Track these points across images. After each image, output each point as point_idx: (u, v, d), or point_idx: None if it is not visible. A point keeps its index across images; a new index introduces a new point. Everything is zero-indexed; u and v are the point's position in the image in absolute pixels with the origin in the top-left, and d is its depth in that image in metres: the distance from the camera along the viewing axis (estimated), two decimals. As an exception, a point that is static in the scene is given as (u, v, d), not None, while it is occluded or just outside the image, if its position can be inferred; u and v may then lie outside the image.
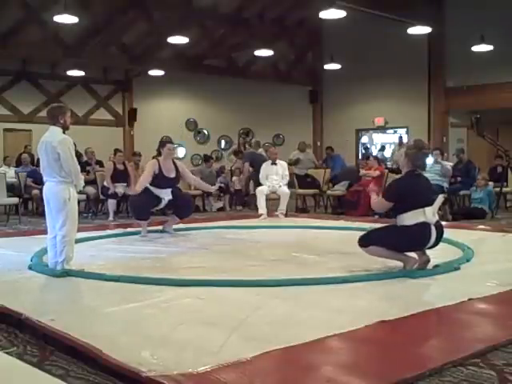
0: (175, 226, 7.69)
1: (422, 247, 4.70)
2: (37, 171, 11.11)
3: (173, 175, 7.32)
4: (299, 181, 12.09)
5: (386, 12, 12.50)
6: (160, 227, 7.69)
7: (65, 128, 4.93)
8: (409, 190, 4.65)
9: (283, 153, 12.54)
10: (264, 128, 17.27)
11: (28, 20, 12.63)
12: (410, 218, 4.58)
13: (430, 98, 15.20)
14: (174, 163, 7.43)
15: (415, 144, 4.88)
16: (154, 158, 7.70)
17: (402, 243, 4.64)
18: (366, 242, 4.76)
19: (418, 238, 4.64)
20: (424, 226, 4.58)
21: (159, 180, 7.21)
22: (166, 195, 7.29)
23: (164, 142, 7.48)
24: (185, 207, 7.58)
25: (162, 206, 7.40)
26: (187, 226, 7.96)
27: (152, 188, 7.21)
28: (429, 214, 4.58)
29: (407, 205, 4.58)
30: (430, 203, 4.64)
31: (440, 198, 4.78)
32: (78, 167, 4.97)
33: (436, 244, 4.74)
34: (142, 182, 7.23)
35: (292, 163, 12.65)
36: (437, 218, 4.70)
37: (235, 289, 4.21)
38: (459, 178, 10.36)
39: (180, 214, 7.61)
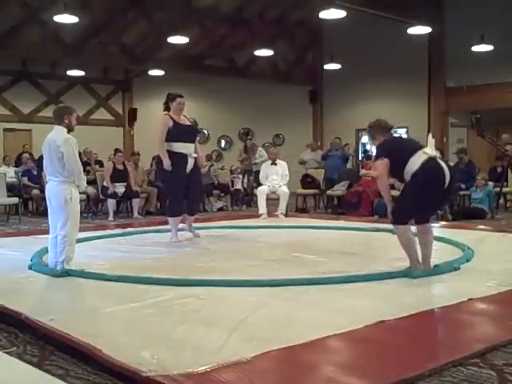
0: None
1: (441, 182, 4.47)
2: (30, 170, 11.16)
3: (189, 123, 6.87)
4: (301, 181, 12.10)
5: (386, 12, 12.52)
6: (159, 227, 7.69)
7: (69, 128, 4.94)
8: (396, 144, 4.79)
9: (283, 153, 12.55)
10: (264, 128, 17.28)
11: (28, 20, 12.65)
12: (414, 164, 4.48)
13: (429, 98, 15.20)
14: (186, 117, 6.87)
15: (368, 127, 4.94)
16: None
17: (420, 191, 4.47)
18: (395, 217, 4.64)
19: (432, 173, 4.47)
20: (430, 161, 4.48)
21: (177, 131, 6.59)
22: (190, 152, 6.68)
23: (173, 95, 6.73)
24: (194, 198, 7.05)
25: (189, 167, 6.66)
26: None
27: (174, 145, 6.58)
28: (428, 151, 4.55)
29: (404, 155, 4.54)
30: (423, 146, 4.64)
31: (430, 137, 4.75)
32: (81, 167, 4.99)
33: (451, 181, 4.53)
34: (161, 141, 6.57)
35: (300, 163, 12.89)
36: (438, 154, 4.65)
37: (235, 289, 4.21)
38: (463, 186, 10.29)
39: (189, 209, 7.02)
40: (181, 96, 6.71)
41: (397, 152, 4.63)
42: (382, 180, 4.69)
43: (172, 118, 6.63)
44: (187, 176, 6.67)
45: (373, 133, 4.89)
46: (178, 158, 6.59)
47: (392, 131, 4.91)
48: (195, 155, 6.76)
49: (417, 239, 4.73)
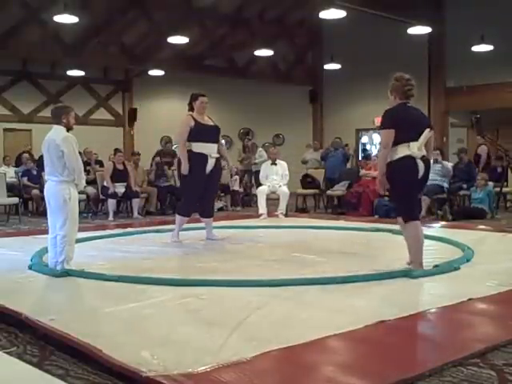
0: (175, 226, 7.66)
1: (413, 179, 4.61)
2: (30, 170, 11.17)
3: (212, 123, 6.71)
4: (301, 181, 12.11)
5: (386, 12, 12.53)
6: (159, 227, 7.68)
7: (68, 128, 4.94)
8: (400, 118, 4.61)
9: (283, 153, 12.55)
10: (264, 128, 17.28)
11: (28, 20, 12.65)
12: (395, 153, 4.57)
13: (430, 98, 15.19)
14: (209, 118, 6.75)
15: (394, 77, 4.83)
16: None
17: (397, 183, 4.61)
18: (403, 217, 4.70)
19: (406, 170, 4.58)
20: (408, 159, 4.56)
21: (199, 131, 6.48)
22: (211, 152, 6.55)
23: (196, 94, 6.64)
24: (210, 199, 6.93)
25: (208, 168, 6.54)
26: (187, 226, 7.94)
27: (195, 145, 6.47)
28: (413, 148, 4.56)
29: (400, 137, 4.55)
30: (416, 138, 4.60)
31: (426, 132, 4.68)
32: (82, 165, 4.98)
33: (426, 178, 4.72)
34: (182, 142, 6.48)
35: (302, 162, 12.99)
36: (423, 152, 4.65)
37: (235, 289, 4.20)
38: (464, 185, 10.30)
39: (202, 213, 6.90)
40: (203, 95, 6.64)
41: (398, 128, 4.57)
42: (385, 151, 4.65)
43: (194, 118, 6.55)
44: (206, 177, 6.57)
45: (394, 87, 4.76)
46: (198, 159, 6.50)
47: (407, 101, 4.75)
48: (216, 155, 6.65)
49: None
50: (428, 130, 4.71)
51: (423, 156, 4.64)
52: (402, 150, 4.56)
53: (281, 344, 2.92)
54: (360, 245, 6.41)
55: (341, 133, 14.30)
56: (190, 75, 15.21)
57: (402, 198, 4.69)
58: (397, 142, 4.57)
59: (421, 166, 4.59)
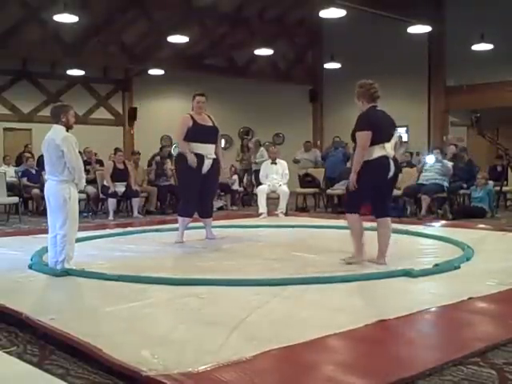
0: (175, 225, 7.66)
1: (384, 178, 4.93)
2: (29, 170, 11.16)
3: (210, 124, 6.65)
4: (299, 180, 12.10)
5: (386, 11, 12.53)
6: (159, 227, 7.68)
7: (67, 127, 4.93)
8: (376, 122, 4.89)
9: (283, 152, 12.54)
10: (264, 127, 17.28)
11: (28, 19, 12.66)
12: (373, 152, 4.85)
13: (430, 97, 15.19)
14: (209, 117, 6.71)
15: (358, 85, 5.03)
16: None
17: (367, 180, 4.87)
18: (346, 207, 5.19)
19: (380, 169, 4.90)
20: (385, 159, 4.89)
21: (196, 131, 6.47)
22: (208, 153, 6.54)
23: (195, 94, 6.65)
24: (208, 199, 6.88)
25: (205, 169, 6.52)
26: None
27: (192, 146, 6.47)
28: (388, 148, 4.91)
29: (375, 138, 4.82)
30: (388, 140, 4.93)
31: (396, 135, 5.08)
32: (82, 165, 4.98)
33: (396, 175, 5.04)
34: (180, 140, 6.51)
35: (294, 161, 12.84)
36: (393, 153, 5.01)
37: (235, 288, 4.20)
38: (465, 184, 10.29)
39: (201, 213, 6.87)
40: (200, 95, 6.61)
41: (373, 130, 4.83)
42: (362, 152, 4.90)
43: (193, 118, 6.54)
44: (203, 177, 6.54)
45: (359, 93, 4.99)
46: (194, 159, 6.45)
47: (375, 103, 4.99)
48: (213, 156, 6.62)
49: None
50: (399, 133, 5.02)
51: (394, 156, 4.99)
52: (379, 151, 4.86)
53: (281, 343, 2.92)
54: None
55: (341, 132, 14.25)
56: (190, 74, 15.21)
57: (360, 193, 4.96)
58: (372, 143, 4.84)
59: (392, 165, 4.92)
